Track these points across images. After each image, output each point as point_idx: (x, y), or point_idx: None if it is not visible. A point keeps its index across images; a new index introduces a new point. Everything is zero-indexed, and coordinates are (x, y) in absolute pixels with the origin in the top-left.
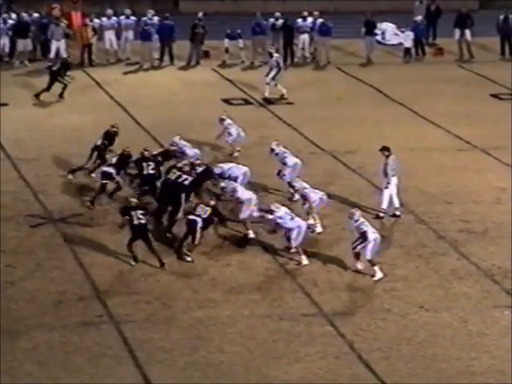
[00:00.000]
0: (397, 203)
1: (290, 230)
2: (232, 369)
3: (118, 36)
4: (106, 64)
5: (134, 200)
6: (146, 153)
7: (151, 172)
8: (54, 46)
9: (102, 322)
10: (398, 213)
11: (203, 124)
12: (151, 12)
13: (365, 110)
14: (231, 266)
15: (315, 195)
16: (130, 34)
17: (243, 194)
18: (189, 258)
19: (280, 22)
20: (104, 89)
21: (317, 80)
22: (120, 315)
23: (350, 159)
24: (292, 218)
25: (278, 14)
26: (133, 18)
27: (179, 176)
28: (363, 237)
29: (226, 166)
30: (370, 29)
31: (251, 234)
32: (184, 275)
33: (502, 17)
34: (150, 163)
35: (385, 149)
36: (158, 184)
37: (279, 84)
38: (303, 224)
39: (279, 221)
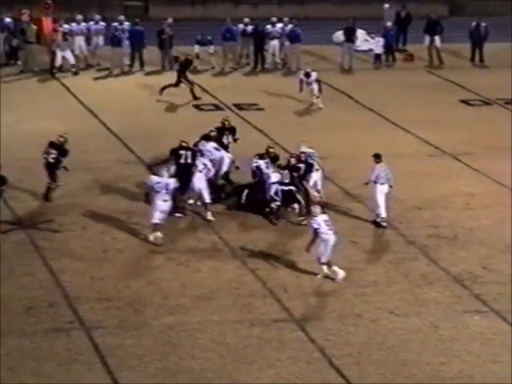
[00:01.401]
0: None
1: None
2: (203, 375)
3: (88, 42)
4: (75, 69)
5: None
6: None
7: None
8: (58, 55)
9: (72, 328)
10: (378, 220)
11: (174, 129)
12: (121, 18)
13: (335, 116)
14: (202, 272)
15: None
16: (100, 40)
17: None
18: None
19: (250, 27)
20: (74, 95)
21: (287, 86)
22: (91, 321)
23: (322, 165)
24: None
25: (246, 19)
26: (103, 23)
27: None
28: (314, 234)
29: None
30: (350, 36)
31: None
32: (155, 281)
33: (473, 24)
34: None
35: (374, 155)
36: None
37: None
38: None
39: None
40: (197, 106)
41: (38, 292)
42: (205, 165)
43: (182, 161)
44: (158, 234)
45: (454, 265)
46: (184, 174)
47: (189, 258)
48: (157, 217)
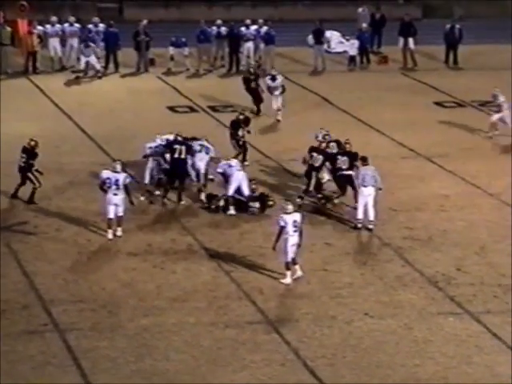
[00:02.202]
0: (361, 216)
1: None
2: (178, 377)
3: (63, 43)
4: (50, 71)
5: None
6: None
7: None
8: (82, 60)
9: (46, 331)
10: (370, 226)
11: (148, 131)
12: (96, 19)
13: (310, 118)
14: (177, 274)
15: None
16: (75, 42)
17: None
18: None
19: (223, 29)
20: (49, 97)
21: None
22: (65, 323)
23: (295, 166)
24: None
25: (219, 21)
26: (77, 25)
27: None
28: (279, 232)
29: None
30: (319, 38)
31: None
32: (129, 283)
33: (448, 26)
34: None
35: (361, 158)
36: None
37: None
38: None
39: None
40: (171, 108)
41: (12, 294)
42: (201, 145)
43: (176, 155)
44: (116, 228)
45: (429, 266)
46: (177, 168)
47: (164, 260)
48: (110, 211)
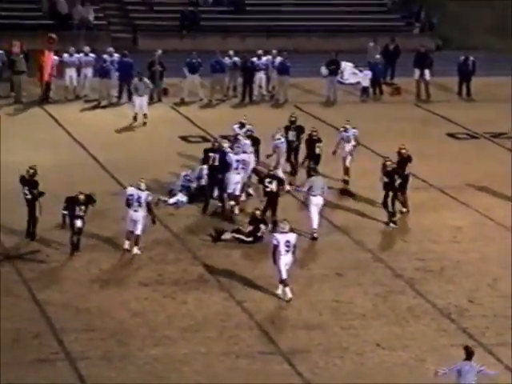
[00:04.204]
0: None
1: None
2: None
3: (78, 73)
4: (64, 101)
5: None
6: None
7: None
8: (137, 101)
9: (57, 359)
10: (315, 235)
11: (160, 161)
12: (111, 49)
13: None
14: (188, 304)
15: None
16: (89, 71)
17: None
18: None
19: (235, 59)
20: (62, 126)
21: (275, 118)
22: (76, 352)
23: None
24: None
25: (231, 52)
26: (92, 55)
27: None
28: (273, 250)
29: None
30: (334, 69)
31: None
32: (140, 312)
33: (462, 58)
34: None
35: (312, 169)
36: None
37: None
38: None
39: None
40: (184, 138)
41: (24, 323)
42: (237, 161)
43: (210, 162)
44: (133, 246)
45: (441, 298)
46: (214, 176)
47: (175, 290)
48: (130, 225)
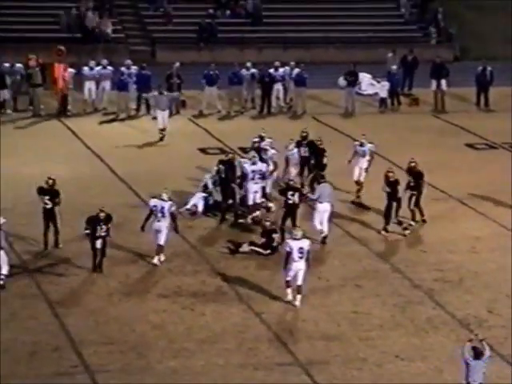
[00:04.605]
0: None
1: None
2: None
3: (97, 86)
4: (82, 114)
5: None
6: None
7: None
8: (159, 116)
9: (76, 373)
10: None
11: (179, 173)
12: (129, 62)
13: (340, 160)
14: (206, 316)
15: None
16: (107, 84)
17: None
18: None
19: (253, 71)
20: (80, 139)
21: (293, 129)
22: (95, 365)
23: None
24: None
25: (249, 64)
26: (110, 67)
27: None
28: (286, 257)
29: None
30: (352, 80)
31: None
32: (159, 325)
33: (480, 68)
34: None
35: (319, 176)
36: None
37: None
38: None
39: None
40: (202, 150)
41: (43, 336)
42: (253, 171)
43: (223, 175)
44: (160, 256)
45: (460, 309)
46: (224, 187)
47: (194, 302)
48: (155, 239)
